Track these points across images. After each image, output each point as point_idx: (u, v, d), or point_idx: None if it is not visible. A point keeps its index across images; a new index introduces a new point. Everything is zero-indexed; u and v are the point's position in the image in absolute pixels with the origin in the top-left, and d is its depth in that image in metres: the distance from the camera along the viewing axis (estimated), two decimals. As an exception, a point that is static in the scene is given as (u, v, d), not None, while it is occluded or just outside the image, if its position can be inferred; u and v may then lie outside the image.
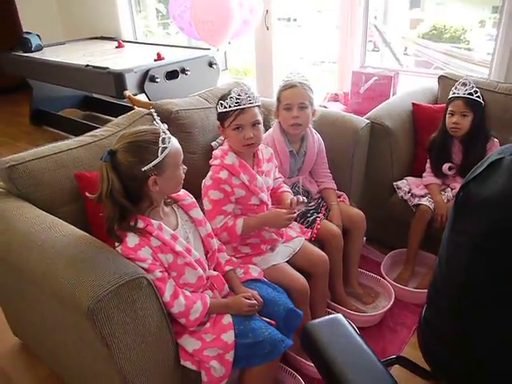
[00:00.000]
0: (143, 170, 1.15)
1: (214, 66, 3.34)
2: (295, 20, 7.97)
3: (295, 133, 1.77)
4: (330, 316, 1.13)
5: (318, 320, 1.11)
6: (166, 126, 1.24)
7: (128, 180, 1.17)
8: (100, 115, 4.31)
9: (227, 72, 4.00)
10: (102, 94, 3.81)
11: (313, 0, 6.60)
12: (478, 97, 1.86)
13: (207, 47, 3.40)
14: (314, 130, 1.85)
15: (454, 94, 1.89)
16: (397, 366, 1.55)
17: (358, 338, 1.07)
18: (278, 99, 1.76)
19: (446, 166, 1.94)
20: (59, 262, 1.11)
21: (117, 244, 1.20)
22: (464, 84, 1.87)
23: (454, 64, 3.32)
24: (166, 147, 1.18)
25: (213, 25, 2.54)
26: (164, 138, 1.19)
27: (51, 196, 1.46)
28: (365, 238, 2.23)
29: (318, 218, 1.74)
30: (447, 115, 1.91)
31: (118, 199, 1.16)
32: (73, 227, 1.28)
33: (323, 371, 1.02)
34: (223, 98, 1.50)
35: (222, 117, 1.50)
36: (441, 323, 1.16)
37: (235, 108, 1.46)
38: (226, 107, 1.47)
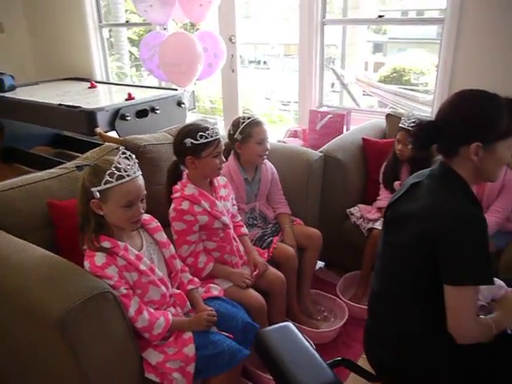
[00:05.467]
0: (91, 189, 1.29)
1: (182, 105, 3.52)
2: (265, 63, 8.46)
3: (261, 163, 1.97)
4: (281, 324, 1.26)
5: (269, 327, 1.24)
6: (137, 160, 1.35)
7: (81, 192, 1.33)
8: (71, 152, 4.38)
9: (195, 111, 4.20)
10: (74, 132, 3.92)
11: (282, 45, 7.06)
12: None
13: (175, 88, 3.60)
14: (266, 160, 2.03)
15: (401, 124, 2.14)
16: (351, 376, 1.69)
17: (305, 342, 1.19)
18: (250, 134, 1.89)
19: (396, 183, 2.16)
20: (32, 279, 1.20)
21: (85, 263, 1.30)
22: (409, 117, 2.13)
23: (403, 104, 3.65)
24: (108, 180, 1.27)
25: (180, 68, 2.74)
26: (111, 173, 1.27)
27: (23, 223, 1.55)
28: (323, 263, 2.39)
29: (274, 239, 1.89)
30: (396, 142, 2.18)
31: (77, 204, 1.36)
32: (44, 250, 1.37)
33: (273, 371, 1.14)
34: (199, 130, 1.59)
35: (202, 148, 1.60)
36: (379, 328, 1.31)
37: (215, 138, 1.61)
38: (207, 137, 1.58)
